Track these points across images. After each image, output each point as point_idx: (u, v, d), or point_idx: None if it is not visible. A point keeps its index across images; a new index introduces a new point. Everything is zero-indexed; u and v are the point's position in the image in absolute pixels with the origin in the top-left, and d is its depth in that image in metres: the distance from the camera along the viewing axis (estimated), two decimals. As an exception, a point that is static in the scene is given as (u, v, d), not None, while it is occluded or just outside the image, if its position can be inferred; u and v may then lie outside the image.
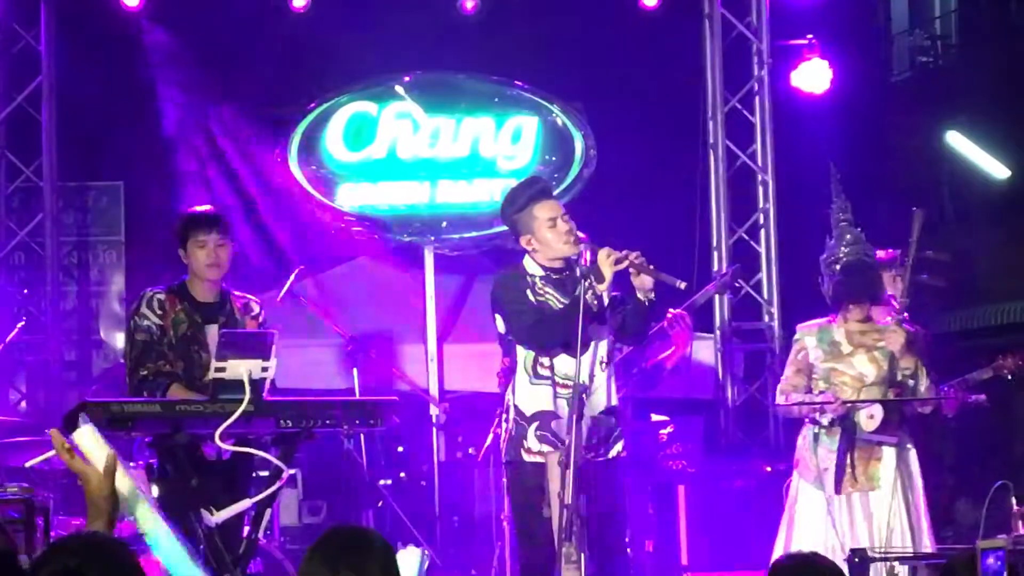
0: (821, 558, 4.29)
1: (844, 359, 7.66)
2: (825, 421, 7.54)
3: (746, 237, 11.13)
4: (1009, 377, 7.83)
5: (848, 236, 7.89)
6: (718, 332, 10.98)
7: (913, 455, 7.67)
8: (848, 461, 7.50)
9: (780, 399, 7.78)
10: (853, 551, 6.77)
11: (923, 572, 6.88)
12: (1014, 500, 7.17)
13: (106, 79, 11.03)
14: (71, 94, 10.67)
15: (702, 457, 9.48)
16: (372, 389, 9.58)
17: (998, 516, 7.36)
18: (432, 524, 10.10)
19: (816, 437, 7.61)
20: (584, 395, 6.49)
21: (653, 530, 9.19)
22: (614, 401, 6.75)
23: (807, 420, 7.69)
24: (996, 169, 14.73)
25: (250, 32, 11.12)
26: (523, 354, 6.68)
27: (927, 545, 7.50)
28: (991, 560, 4.67)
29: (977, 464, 12.13)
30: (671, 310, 8.46)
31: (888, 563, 6.98)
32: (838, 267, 7.78)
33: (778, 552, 7.75)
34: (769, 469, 9.44)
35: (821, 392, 7.63)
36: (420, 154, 10.72)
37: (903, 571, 6.97)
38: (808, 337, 7.77)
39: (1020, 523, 7.16)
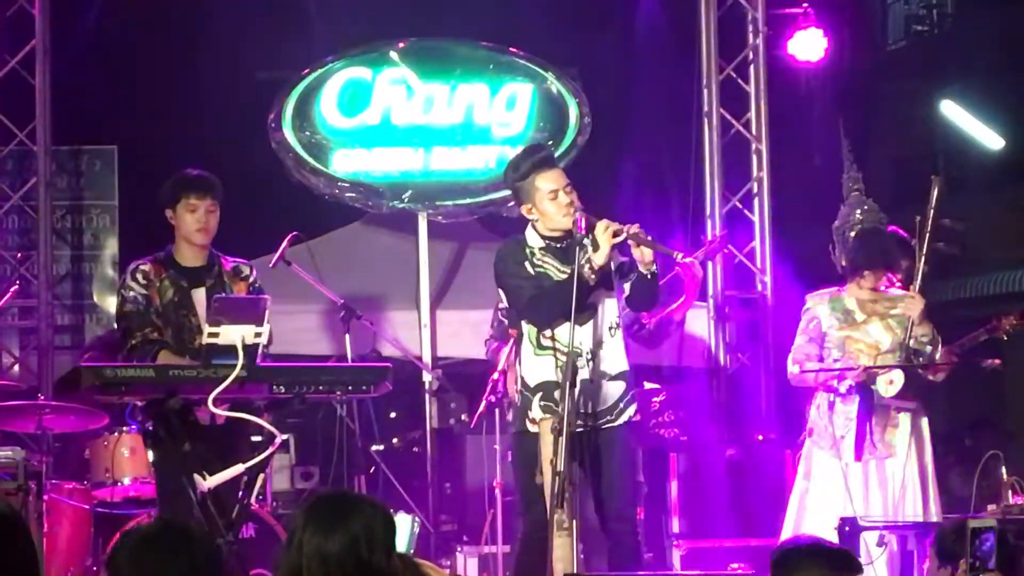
0: (827, 542, 4.32)
1: (859, 327, 7.65)
2: (842, 388, 7.53)
3: (739, 206, 11.12)
4: (1004, 337, 7.82)
5: (865, 204, 7.88)
6: (711, 300, 10.97)
7: (925, 423, 7.69)
8: (868, 428, 7.50)
9: (794, 368, 7.73)
10: (843, 520, 6.80)
11: (912, 541, 6.90)
12: (1004, 470, 7.19)
13: (100, 43, 10.98)
14: (65, 57, 10.63)
15: (694, 425, 9.50)
16: (364, 355, 9.58)
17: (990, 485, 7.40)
18: (424, 491, 10.12)
19: (832, 405, 7.59)
20: (589, 361, 6.51)
21: (644, 498, 9.21)
22: (625, 365, 6.71)
23: (821, 388, 7.67)
24: (990, 139, 14.73)
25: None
26: (527, 325, 6.67)
27: (934, 513, 7.52)
28: (984, 538, 4.70)
29: (968, 434, 12.15)
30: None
31: (878, 532, 7.01)
32: (853, 233, 7.77)
33: (789, 521, 7.77)
34: (760, 438, 9.46)
35: (836, 360, 7.61)
36: (414, 120, 10.69)
37: (892, 540, 6.99)
38: (820, 306, 7.75)
39: (1010, 492, 7.18)
